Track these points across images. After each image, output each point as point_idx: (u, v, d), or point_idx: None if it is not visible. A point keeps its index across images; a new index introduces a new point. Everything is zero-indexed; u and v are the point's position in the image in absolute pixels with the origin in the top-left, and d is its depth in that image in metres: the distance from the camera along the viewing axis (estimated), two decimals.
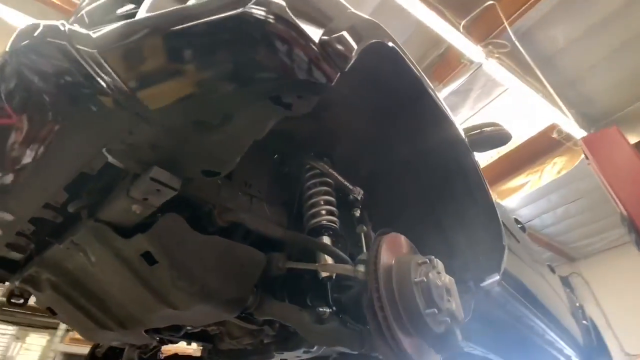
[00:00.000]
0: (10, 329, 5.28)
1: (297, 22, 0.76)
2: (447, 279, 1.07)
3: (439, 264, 1.10)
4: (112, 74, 0.70)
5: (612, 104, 5.60)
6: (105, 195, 0.93)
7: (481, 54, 4.62)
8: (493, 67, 4.75)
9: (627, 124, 5.77)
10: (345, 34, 0.86)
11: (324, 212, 1.26)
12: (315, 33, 0.81)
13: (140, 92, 0.72)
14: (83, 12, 0.90)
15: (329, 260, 1.13)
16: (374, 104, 1.33)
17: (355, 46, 0.88)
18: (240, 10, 0.72)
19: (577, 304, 3.44)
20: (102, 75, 0.70)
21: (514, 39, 4.13)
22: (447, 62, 5.26)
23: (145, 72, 0.73)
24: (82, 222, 0.95)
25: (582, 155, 5.85)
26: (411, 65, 1.18)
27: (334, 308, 1.06)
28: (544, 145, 6.34)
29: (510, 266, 1.81)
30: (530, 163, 6.80)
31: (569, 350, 2.60)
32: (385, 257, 0.94)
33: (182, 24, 0.72)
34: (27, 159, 0.80)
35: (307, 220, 1.25)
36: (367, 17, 1.04)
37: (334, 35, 0.83)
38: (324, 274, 1.12)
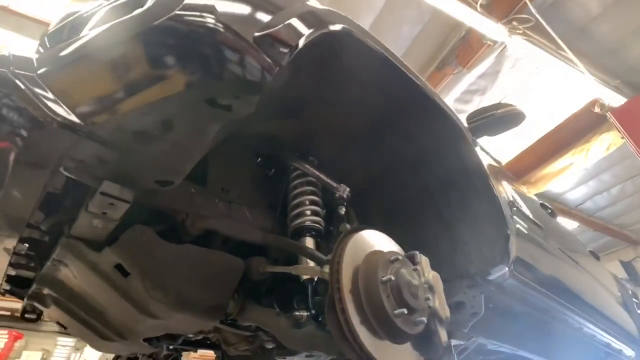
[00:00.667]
0: (70, 341, 5.74)
1: (225, 23, 0.74)
2: (430, 275, 1.00)
3: (423, 260, 1.02)
4: (50, 95, 0.72)
5: None
6: (77, 212, 0.96)
7: (504, 32, 4.35)
8: (519, 44, 4.46)
9: None
10: (284, 26, 0.83)
11: (308, 212, 1.23)
12: (252, 29, 0.79)
13: (78, 110, 0.73)
14: (45, 35, 0.94)
15: (311, 263, 1.10)
16: (354, 98, 1.28)
17: (299, 38, 0.84)
18: (165, 17, 0.72)
19: (631, 292, 3.11)
20: (41, 97, 0.72)
21: (534, 11, 3.85)
22: (469, 45, 5.01)
23: (80, 90, 0.74)
24: (61, 239, 0.99)
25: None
26: (383, 52, 1.11)
27: (313, 311, 1.02)
28: (587, 122, 5.84)
29: (530, 256, 1.67)
30: (574, 142, 6.29)
31: (617, 344, 2.36)
32: (352, 256, 0.89)
33: (112, 41, 0.72)
34: None
35: (290, 221, 1.22)
36: (322, 6, 1.00)
37: (270, 30, 0.80)
38: (304, 277, 1.08)
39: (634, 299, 3.02)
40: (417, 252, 1.06)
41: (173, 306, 0.99)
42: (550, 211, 2.40)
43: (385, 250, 0.97)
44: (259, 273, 1.12)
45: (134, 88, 0.72)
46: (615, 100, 4.98)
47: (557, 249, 1.95)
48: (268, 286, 1.22)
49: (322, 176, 1.26)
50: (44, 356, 5.88)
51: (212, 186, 1.16)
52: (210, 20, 0.73)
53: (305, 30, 0.86)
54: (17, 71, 0.74)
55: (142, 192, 0.88)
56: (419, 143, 1.45)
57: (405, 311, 0.83)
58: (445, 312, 0.99)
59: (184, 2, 0.73)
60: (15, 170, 0.81)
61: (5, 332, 5.63)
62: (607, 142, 6.17)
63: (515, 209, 1.70)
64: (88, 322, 1.26)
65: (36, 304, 1.30)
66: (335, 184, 1.28)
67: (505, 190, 1.72)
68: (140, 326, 1.12)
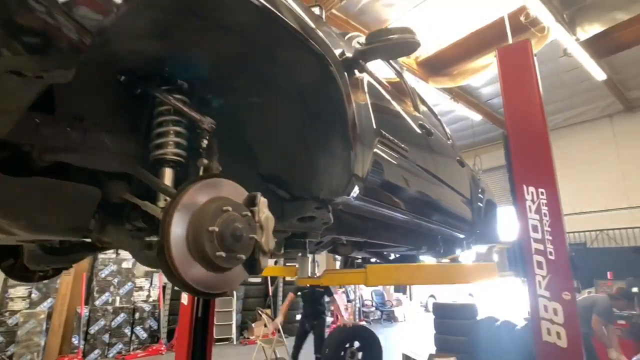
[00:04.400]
0: None
1: None
2: (263, 216, 1.22)
3: (261, 201, 1.22)
4: None
5: None
6: None
7: None
8: None
9: (599, 10, 5.40)
10: None
11: (170, 143, 1.28)
12: None
13: None
14: None
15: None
16: (219, 24, 1.22)
17: None
18: None
19: (481, 189, 3.89)
20: None
21: None
22: None
23: None
24: None
25: (542, 44, 5.64)
26: None
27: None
28: (511, 27, 5.96)
29: (381, 182, 1.98)
30: (497, 43, 6.46)
31: (453, 231, 3.07)
32: (190, 203, 1.04)
33: None
34: None
35: (152, 150, 1.27)
36: None
37: None
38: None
39: (479, 195, 3.80)
40: (259, 194, 1.24)
41: (26, 230, 1.09)
42: (426, 130, 2.70)
43: (223, 199, 1.12)
44: (117, 198, 1.23)
45: None
46: (539, 12, 5.06)
47: (417, 167, 2.31)
48: (130, 209, 1.34)
49: (185, 108, 1.28)
50: None
51: (62, 114, 1.14)
52: None
53: None
54: None
55: None
56: (288, 73, 1.46)
57: (224, 254, 1.05)
58: (269, 245, 1.24)
59: None
60: None
61: None
62: None
63: (381, 138, 1.93)
64: None
65: None
66: (198, 116, 1.32)
67: (375, 123, 1.90)
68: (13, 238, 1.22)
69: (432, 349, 5.79)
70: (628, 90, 7.78)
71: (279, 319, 5.24)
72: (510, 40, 5.08)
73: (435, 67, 7.11)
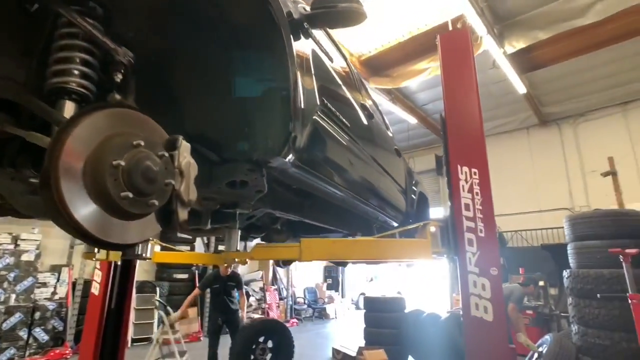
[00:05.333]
0: None
1: None
2: (184, 161, 1.04)
3: (183, 146, 1.05)
4: None
5: (520, 3, 5.57)
6: None
7: None
8: None
9: (524, 28, 5.93)
10: None
11: (75, 72, 1.04)
12: None
13: None
14: None
15: None
16: None
17: None
18: None
19: (415, 181, 3.99)
20: None
21: None
22: None
23: None
24: None
25: (476, 52, 6.04)
26: None
27: None
28: None
29: (321, 150, 1.87)
30: (435, 49, 6.79)
31: (387, 217, 3.08)
32: (90, 132, 0.83)
33: None
34: None
35: (49, 77, 1.03)
36: None
37: None
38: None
39: (414, 188, 3.89)
40: (180, 137, 1.06)
41: None
42: (368, 113, 2.66)
43: (135, 134, 0.92)
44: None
45: None
46: (474, 21, 5.40)
47: (357, 146, 2.24)
48: (18, 148, 1.07)
49: (96, 33, 1.05)
50: None
51: None
52: None
53: None
54: None
55: None
56: (226, 15, 1.33)
57: (131, 195, 0.85)
58: (189, 195, 1.06)
59: None
60: None
61: None
62: None
63: (322, 107, 1.81)
64: None
65: None
66: (113, 45, 1.09)
67: (317, 91, 1.78)
68: None
69: (362, 343, 5.87)
70: (543, 105, 8.67)
71: (177, 315, 4.89)
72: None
73: (376, 67, 7.27)
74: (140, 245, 2.87)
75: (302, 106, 1.56)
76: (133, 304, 7.01)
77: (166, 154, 1.01)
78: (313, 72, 1.85)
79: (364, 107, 2.62)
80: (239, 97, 1.48)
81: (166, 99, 1.42)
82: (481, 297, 1.83)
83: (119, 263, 3.31)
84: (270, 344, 4.40)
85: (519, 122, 9.35)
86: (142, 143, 0.93)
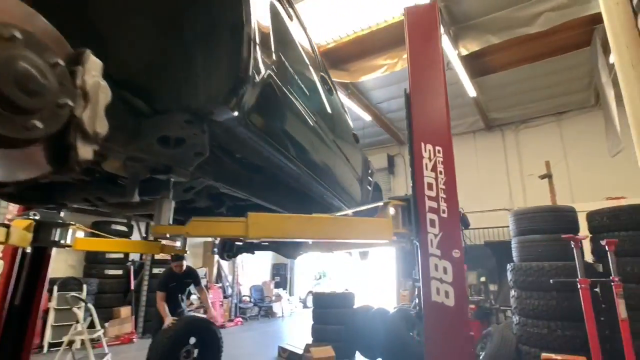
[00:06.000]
0: None
1: None
2: (92, 81, 0.78)
3: (91, 62, 0.80)
4: None
5: (475, 7, 5.72)
6: None
7: None
8: None
9: (477, 31, 6.13)
10: None
11: None
12: None
13: None
14: None
15: None
16: None
17: None
18: None
19: (370, 171, 3.88)
20: None
21: None
22: None
23: None
24: None
25: None
26: None
27: None
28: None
29: (273, 112, 1.64)
30: (392, 47, 6.83)
31: (341, 204, 2.91)
32: None
33: None
34: None
35: None
36: None
37: None
38: None
39: (369, 178, 3.77)
40: (88, 52, 0.80)
41: None
42: (329, 87, 2.48)
43: (9, 25, 0.64)
44: None
45: None
46: None
47: (315, 117, 2.04)
48: None
49: None
50: None
51: None
52: None
53: None
54: None
55: None
56: None
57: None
58: (95, 127, 0.79)
59: None
60: None
61: None
62: None
63: (279, 64, 1.59)
64: None
65: None
66: None
67: (274, 45, 1.56)
68: None
69: (310, 340, 5.68)
70: (489, 111, 9.11)
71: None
72: None
73: (334, 60, 7.16)
74: (56, 230, 2.43)
75: (258, 50, 1.33)
76: (53, 303, 6.22)
77: (62, 63, 0.73)
78: (270, 21, 1.62)
79: (324, 81, 2.43)
80: (177, 31, 1.21)
81: (83, 33, 1.10)
82: (442, 281, 1.71)
83: (27, 251, 2.80)
84: (195, 344, 3.98)
85: (467, 126, 9.74)
86: (19, 36, 0.65)
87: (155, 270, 7.90)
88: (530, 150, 9.07)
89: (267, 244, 3.61)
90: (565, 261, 3.72)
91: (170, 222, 1.50)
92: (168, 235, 1.46)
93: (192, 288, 4.89)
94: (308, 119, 2.04)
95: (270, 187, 2.14)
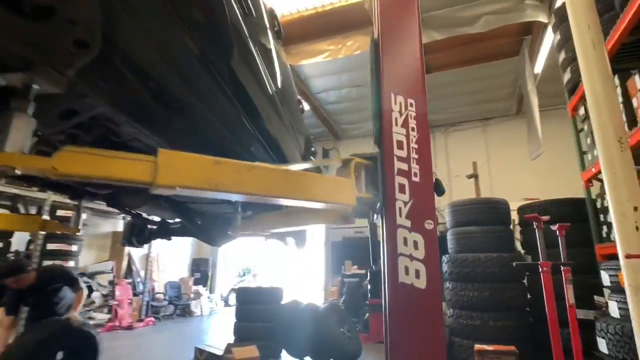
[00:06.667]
0: None
1: None
2: None
3: None
4: None
5: (422, 3, 5.69)
6: None
7: None
8: None
9: (423, 26, 6.14)
10: None
11: None
12: None
13: None
14: None
15: None
16: None
17: None
18: None
19: (313, 150, 3.54)
20: None
21: None
22: None
23: None
24: None
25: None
26: None
27: None
28: (356, 17, 6.14)
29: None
30: (338, 32, 6.57)
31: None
32: None
33: None
34: None
35: None
36: None
37: None
38: None
39: (312, 157, 3.40)
40: None
41: None
42: (277, 31, 2.05)
43: None
44: None
45: None
46: None
47: (260, 77, 1.59)
48: None
49: None
50: None
51: None
52: None
53: None
54: None
55: None
56: None
57: None
58: None
59: None
60: None
61: None
62: (357, 44, 6.83)
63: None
64: None
65: None
66: None
67: None
68: None
69: (232, 340, 5.12)
70: None
71: None
72: None
73: None
74: None
75: None
76: None
77: None
78: None
79: (278, 34, 1.98)
80: None
81: None
82: (412, 257, 1.38)
83: None
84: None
85: None
86: None
87: (48, 263, 6.58)
88: (457, 152, 9.52)
89: (186, 225, 2.98)
90: (500, 252, 3.73)
91: (26, 150, 0.93)
92: (17, 171, 0.88)
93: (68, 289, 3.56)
94: (255, 58, 1.58)
95: (196, 138, 1.62)
